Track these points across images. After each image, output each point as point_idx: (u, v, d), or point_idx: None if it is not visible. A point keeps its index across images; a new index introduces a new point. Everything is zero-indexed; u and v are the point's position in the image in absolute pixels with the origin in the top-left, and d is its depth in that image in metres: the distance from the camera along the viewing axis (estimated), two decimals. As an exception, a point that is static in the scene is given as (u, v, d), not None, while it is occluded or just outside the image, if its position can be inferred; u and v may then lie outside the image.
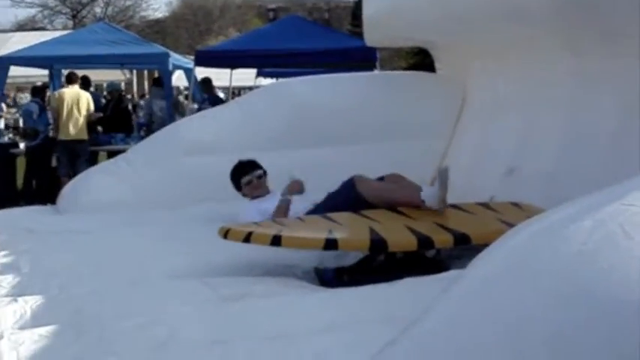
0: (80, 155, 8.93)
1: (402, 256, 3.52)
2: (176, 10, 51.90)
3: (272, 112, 5.68)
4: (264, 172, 4.65)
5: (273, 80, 17.33)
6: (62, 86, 10.97)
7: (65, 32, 17.89)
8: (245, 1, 55.06)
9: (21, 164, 9.64)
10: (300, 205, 4.29)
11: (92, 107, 9.26)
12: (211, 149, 5.33)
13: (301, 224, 3.65)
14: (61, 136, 9.00)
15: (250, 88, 19.52)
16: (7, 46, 16.97)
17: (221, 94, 20.09)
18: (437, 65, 6.61)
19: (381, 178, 4.14)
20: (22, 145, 9.96)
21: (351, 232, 3.44)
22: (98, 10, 41.68)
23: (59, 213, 5.05)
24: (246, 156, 4.96)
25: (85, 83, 9.84)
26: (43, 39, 13.04)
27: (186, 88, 19.07)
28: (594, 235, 1.32)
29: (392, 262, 3.48)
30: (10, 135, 12.32)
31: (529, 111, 4.94)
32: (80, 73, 10.03)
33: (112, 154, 8.83)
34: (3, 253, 3.83)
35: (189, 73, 11.88)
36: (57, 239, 4.17)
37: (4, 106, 15.55)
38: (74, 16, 40.23)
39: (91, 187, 5.22)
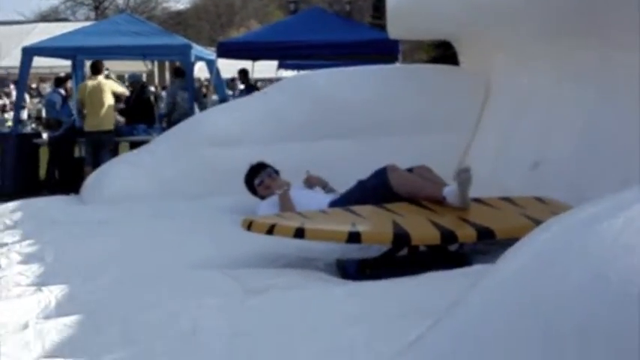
0: (105, 146, 8.98)
1: (425, 250, 3.50)
2: (198, 1, 51.98)
3: (295, 104, 5.68)
4: (276, 171, 4.65)
5: (295, 72, 17.34)
6: (85, 77, 11.05)
7: (88, 23, 17.97)
8: (267, -7, 55.10)
9: (44, 154, 9.72)
10: (317, 196, 4.33)
11: (119, 90, 9.28)
12: (234, 141, 5.34)
13: (324, 217, 3.65)
14: (87, 127, 9.06)
15: (271, 80, 19.59)
16: (30, 36, 17.05)
17: (241, 86, 20.17)
18: (460, 58, 6.57)
19: (410, 170, 4.13)
20: (44, 136, 10.05)
21: (374, 225, 3.43)
22: (120, 1, 41.86)
23: (83, 203, 5.08)
24: (269, 148, 4.97)
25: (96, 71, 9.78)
26: (65, 30, 13.10)
27: (207, 80, 19.16)
28: (625, 231, 1.31)
29: (415, 256, 3.47)
30: (33, 125, 12.41)
31: (553, 104, 4.89)
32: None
33: (134, 145, 8.87)
34: (27, 242, 3.86)
35: (211, 64, 11.90)
36: (80, 229, 4.19)
37: (27, 96, 15.66)
38: (97, 8, 40.45)
39: (114, 178, 5.25)
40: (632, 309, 1.18)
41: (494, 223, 3.42)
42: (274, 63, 16.11)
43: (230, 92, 12.71)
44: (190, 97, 10.46)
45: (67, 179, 8.97)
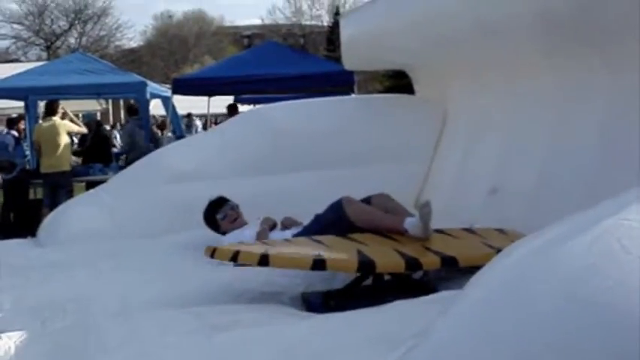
0: (62, 187, 8.86)
1: (390, 279, 3.50)
2: (151, 38, 52.06)
3: (252, 138, 5.68)
4: (235, 205, 4.63)
5: (251, 106, 17.38)
6: (38, 117, 10.92)
7: (40, 63, 17.84)
8: (220, 29, 55.34)
9: (-3, 197, 9.56)
10: (281, 235, 4.28)
11: (75, 128, 9.18)
12: (192, 177, 5.30)
13: (289, 245, 3.64)
14: (43, 169, 8.95)
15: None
16: (-19, 78, 16.83)
17: (198, 122, 20.13)
18: (415, 87, 6.65)
19: (368, 198, 4.13)
20: (-2, 178, 9.89)
21: (339, 253, 3.42)
22: (72, 40, 41.77)
23: (40, 246, 4.98)
24: (228, 183, 4.94)
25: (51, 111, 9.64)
26: (17, 70, 12.98)
27: (163, 117, 19.08)
28: (592, 250, 1.33)
29: (379, 286, 3.46)
30: (-14, 168, 12.19)
31: (510, 130, 4.96)
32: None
33: (90, 185, 8.78)
34: (-16, 288, 3.76)
35: (166, 101, 11.87)
36: (38, 273, 4.10)
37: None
38: (48, 47, 40.23)
39: (71, 218, 5.17)
40: (601, 330, 1.18)
41: (457, 251, 3.44)
42: (230, 98, 16.12)
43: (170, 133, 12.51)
44: (147, 134, 10.41)
45: (22, 222, 8.81)
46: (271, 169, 5.46)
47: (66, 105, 11.14)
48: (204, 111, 16.94)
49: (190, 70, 36.96)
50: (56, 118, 9.05)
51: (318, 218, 4.13)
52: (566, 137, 4.39)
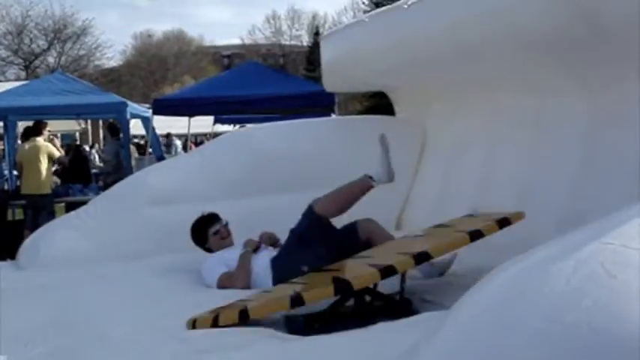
0: (44, 208, 8.81)
1: (371, 301, 3.51)
2: (130, 58, 52.01)
3: (233, 159, 5.69)
4: (227, 222, 4.61)
5: (231, 127, 17.40)
6: (17, 138, 10.85)
7: (18, 83, 17.75)
8: (199, 49, 55.43)
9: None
10: (265, 256, 4.28)
11: (57, 153, 9.12)
12: (174, 199, 5.30)
13: (266, 294, 3.63)
14: (24, 190, 8.90)
15: (207, 135, 19.60)
16: (-42, 99, 16.71)
17: (178, 142, 20.10)
18: (396, 108, 6.70)
19: (354, 223, 4.20)
20: (-24, 200, 9.80)
21: (315, 284, 3.45)
22: (51, 60, 41.58)
23: (20, 269, 4.94)
24: (209, 204, 4.94)
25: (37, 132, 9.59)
26: (-5, 90, 12.91)
27: (142, 137, 19.03)
28: (577, 274, 1.35)
29: (361, 306, 3.47)
30: (-36, 189, 12.09)
31: (490, 150, 5.02)
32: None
33: (70, 206, 8.73)
34: (-37, 312, 3.72)
35: (146, 122, 11.85)
36: (18, 296, 4.07)
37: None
38: (27, 67, 40.04)
39: (51, 241, 5.12)
40: (585, 354, 1.20)
41: (428, 246, 3.45)
42: (210, 118, 16.13)
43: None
44: (127, 155, 10.38)
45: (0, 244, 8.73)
46: (253, 191, 5.48)
47: (44, 125, 11.10)
48: (184, 131, 16.94)
49: (170, 90, 36.97)
50: (40, 139, 9.00)
51: (293, 231, 4.17)
52: (546, 157, 4.45)
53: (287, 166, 5.65)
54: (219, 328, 3.09)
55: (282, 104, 10.78)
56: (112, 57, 61.83)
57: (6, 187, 9.66)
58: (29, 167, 8.83)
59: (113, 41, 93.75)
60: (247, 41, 52.34)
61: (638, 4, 3.43)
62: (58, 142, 10.31)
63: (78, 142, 14.26)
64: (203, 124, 17.33)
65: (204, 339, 2.86)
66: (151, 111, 11.54)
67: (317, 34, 42.98)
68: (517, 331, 1.33)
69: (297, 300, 3.19)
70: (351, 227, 4.22)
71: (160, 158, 11.27)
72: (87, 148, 18.85)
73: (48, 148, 9.03)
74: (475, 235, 3.47)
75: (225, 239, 4.51)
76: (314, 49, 39.78)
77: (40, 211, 8.75)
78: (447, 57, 4.94)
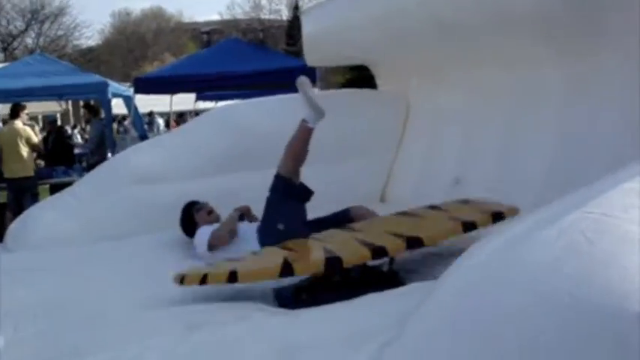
0: (27, 191, 8.78)
1: (359, 272, 3.55)
2: (109, 37, 51.48)
3: (217, 137, 5.68)
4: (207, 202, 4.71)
5: (213, 103, 17.33)
6: (3, 121, 10.75)
7: (-3, 65, 17.56)
8: (178, 25, 54.95)
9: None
10: (251, 225, 4.36)
11: (35, 139, 9.07)
12: (158, 178, 5.30)
13: (256, 257, 3.67)
14: (6, 174, 8.86)
15: (190, 112, 19.52)
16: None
17: (160, 120, 20.00)
18: (378, 81, 6.71)
19: (347, 210, 4.32)
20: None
21: (305, 255, 3.48)
22: (29, 40, 41.12)
23: (7, 251, 4.95)
24: (194, 182, 4.98)
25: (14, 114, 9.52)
26: (-26, 73, 12.77)
27: (124, 117, 18.93)
28: (558, 243, 1.38)
29: (349, 278, 3.52)
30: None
31: (471, 122, 5.05)
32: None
33: (54, 188, 8.70)
34: (-47, 296, 3.73)
35: (128, 101, 11.78)
36: (8, 278, 4.08)
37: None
38: (5, 49, 39.57)
39: (38, 223, 5.12)
40: (569, 320, 1.24)
41: (422, 231, 3.50)
42: (192, 95, 16.05)
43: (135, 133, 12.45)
44: (110, 134, 10.34)
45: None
46: (236, 168, 5.48)
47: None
48: (165, 109, 16.84)
49: (150, 68, 36.65)
50: (18, 122, 8.95)
51: (267, 199, 4.32)
52: (525, 129, 4.50)
53: (271, 142, 5.64)
54: (208, 304, 3.12)
55: (264, 80, 10.75)
56: (90, 36, 61.26)
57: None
58: (9, 151, 8.79)
59: (91, 21, 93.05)
60: (226, 16, 51.94)
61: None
62: (37, 128, 10.21)
63: (59, 124, 14.13)
64: (185, 101, 17.25)
65: (194, 314, 2.90)
66: (132, 90, 11.48)
67: (296, 8, 42.72)
68: (501, 302, 1.36)
69: (287, 270, 3.22)
70: (344, 213, 4.28)
71: (143, 137, 11.24)
72: (69, 129, 18.72)
73: (26, 131, 8.99)
74: (468, 227, 3.54)
75: (210, 214, 4.60)
76: (294, 23, 39.56)
77: (24, 193, 8.73)
78: (426, 31, 4.95)
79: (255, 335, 2.57)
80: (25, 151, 8.81)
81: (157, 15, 54.10)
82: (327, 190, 4.30)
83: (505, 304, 1.35)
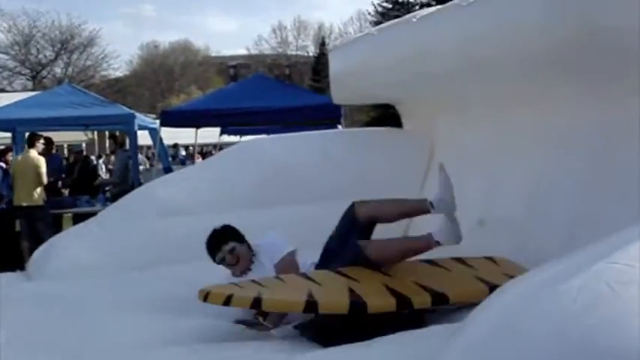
0: (39, 220, 8.81)
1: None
2: (137, 68, 52.16)
3: (242, 171, 5.72)
4: (241, 240, 4.34)
5: (237, 137, 17.47)
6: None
7: (25, 93, 17.82)
8: (205, 59, 55.57)
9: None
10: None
11: (42, 170, 9.02)
12: (184, 210, 5.32)
13: (281, 284, 3.64)
14: (16, 202, 8.94)
15: (215, 146, 19.66)
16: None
17: (183, 152, 20.14)
18: (403, 120, 6.73)
19: (351, 205, 4.25)
20: (-15, 210, 9.82)
21: (330, 293, 3.46)
22: (58, 70, 41.72)
23: (30, 279, 4.97)
24: (218, 216, 4.97)
25: (48, 145, 9.62)
26: (3, 101, 12.98)
27: (149, 148, 19.08)
28: (583, 294, 1.37)
29: (371, 317, 3.49)
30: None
31: (497, 163, 5.04)
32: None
33: (77, 217, 8.75)
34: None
35: (154, 133, 11.89)
36: (31, 307, 4.10)
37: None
38: (34, 77, 40.15)
39: (62, 251, 5.15)
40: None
41: (448, 287, 3.50)
42: (217, 129, 16.18)
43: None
44: (135, 166, 10.43)
45: (7, 254, 8.72)
46: (261, 202, 5.49)
47: (52, 136, 11.13)
48: (190, 141, 16.94)
49: (177, 100, 37.06)
50: (33, 151, 9.02)
51: (332, 236, 4.10)
52: (553, 170, 4.47)
53: (295, 177, 5.68)
54: (232, 342, 3.12)
55: (289, 116, 10.83)
56: (118, 67, 61.98)
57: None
58: (20, 179, 8.85)
59: (120, 52, 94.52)
60: (253, 51, 52.42)
61: (637, 17, 3.45)
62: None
63: (85, 153, 14.30)
64: (209, 134, 17.37)
65: (218, 352, 2.89)
66: (158, 122, 11.58)
67: (323, 44, 43.11)
68: (525, 349, 1.35)
69: (312, 307, 3.23)
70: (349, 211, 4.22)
71: (168, 170, 11.31)
72: (94, 159, 18.88)
73: (39, 161, 9.00)
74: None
75: (234, 266, 4.22)
76: (320, 59, 39.90)
77: (35, 222, 8.76)
78: (455, 71, 4.96)
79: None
80: (35, 181, 8.84)
81: (184, 48, 54.80)
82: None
83: (529, 353, 1.34)
